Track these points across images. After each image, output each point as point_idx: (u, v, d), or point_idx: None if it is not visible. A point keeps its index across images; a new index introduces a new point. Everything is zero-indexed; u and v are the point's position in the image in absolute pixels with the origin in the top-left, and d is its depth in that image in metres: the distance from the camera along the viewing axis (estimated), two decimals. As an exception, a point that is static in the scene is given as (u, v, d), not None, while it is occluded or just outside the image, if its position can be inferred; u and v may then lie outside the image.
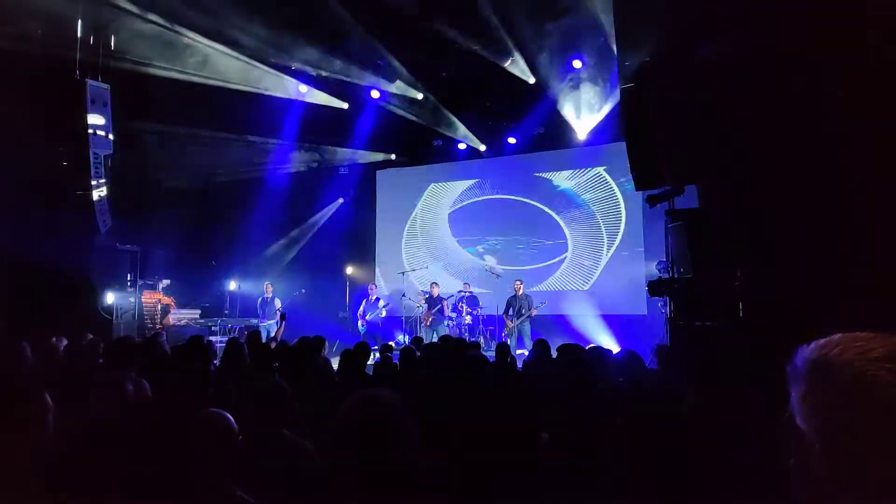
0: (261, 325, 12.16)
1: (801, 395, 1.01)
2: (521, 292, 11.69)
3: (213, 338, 11.37)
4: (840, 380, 0.95)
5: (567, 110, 12.33)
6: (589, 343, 8.59)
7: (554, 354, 5.15)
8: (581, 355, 4.37)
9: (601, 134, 12.28)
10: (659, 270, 9.17)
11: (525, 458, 2.32)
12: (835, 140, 4.98)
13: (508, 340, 10.88)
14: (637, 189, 8.08)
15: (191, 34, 10.48)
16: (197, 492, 2.16)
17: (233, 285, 13.69)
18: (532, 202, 13.85)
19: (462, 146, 14.33)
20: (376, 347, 8.37)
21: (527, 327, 11.55)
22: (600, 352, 5.10)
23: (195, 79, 11.06)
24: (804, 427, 1.00)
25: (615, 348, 8.70)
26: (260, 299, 12.57)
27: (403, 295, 13.13)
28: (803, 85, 5.16)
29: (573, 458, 2.62)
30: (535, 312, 11.48)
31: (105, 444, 2.75)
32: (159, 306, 12.52)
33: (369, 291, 12.88)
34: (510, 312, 11.66)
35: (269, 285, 12.68)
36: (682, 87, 6.36)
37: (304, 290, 13.73)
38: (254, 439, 2.56)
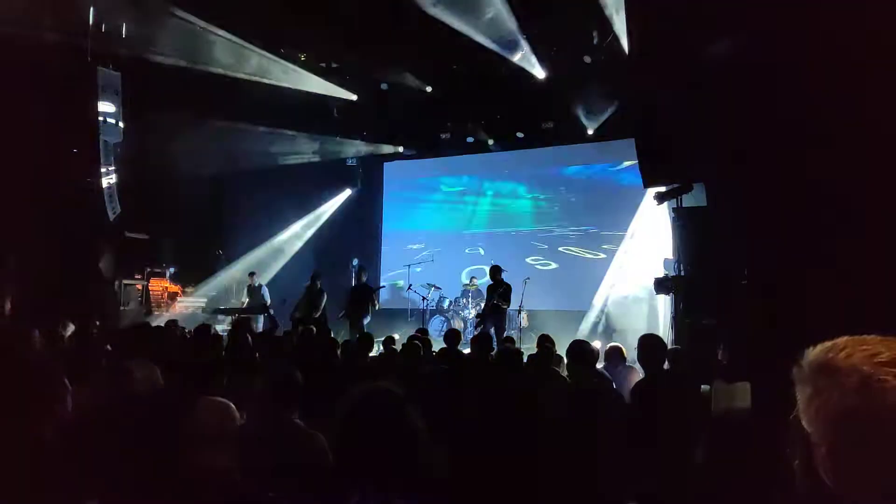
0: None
1: (806, 397, 1.02)
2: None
3: (218, 326, 11.42)
4: (846, 383, 0.96)
5: (576, 106, 12.26)
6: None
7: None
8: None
9: (610, 130, 12.20)
10: (666, 268, 9.16)
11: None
12: (838, 139, 4.97)
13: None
14: (645, 186, 8.07)
15: (202, 23, 10.48)
16: (195, 475, 2.21)
17: (238, 274, 13.68)
18: (538, 196, 13.83)
19: (470, 139, 14.29)
20: (380, 339, 8.37)
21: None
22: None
23: (206, 68, 11.07)
24: (809, 429, 1.01)
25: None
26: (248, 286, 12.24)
27: (409, 287, 13.12)
28: (807, 84, 5.15)
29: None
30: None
31: (110, 429, 2.79)
32: (166, 294, 12.57)
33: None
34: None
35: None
36: (691, 85, 6.34)
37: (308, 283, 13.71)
38: (270, 428, 2.58)
